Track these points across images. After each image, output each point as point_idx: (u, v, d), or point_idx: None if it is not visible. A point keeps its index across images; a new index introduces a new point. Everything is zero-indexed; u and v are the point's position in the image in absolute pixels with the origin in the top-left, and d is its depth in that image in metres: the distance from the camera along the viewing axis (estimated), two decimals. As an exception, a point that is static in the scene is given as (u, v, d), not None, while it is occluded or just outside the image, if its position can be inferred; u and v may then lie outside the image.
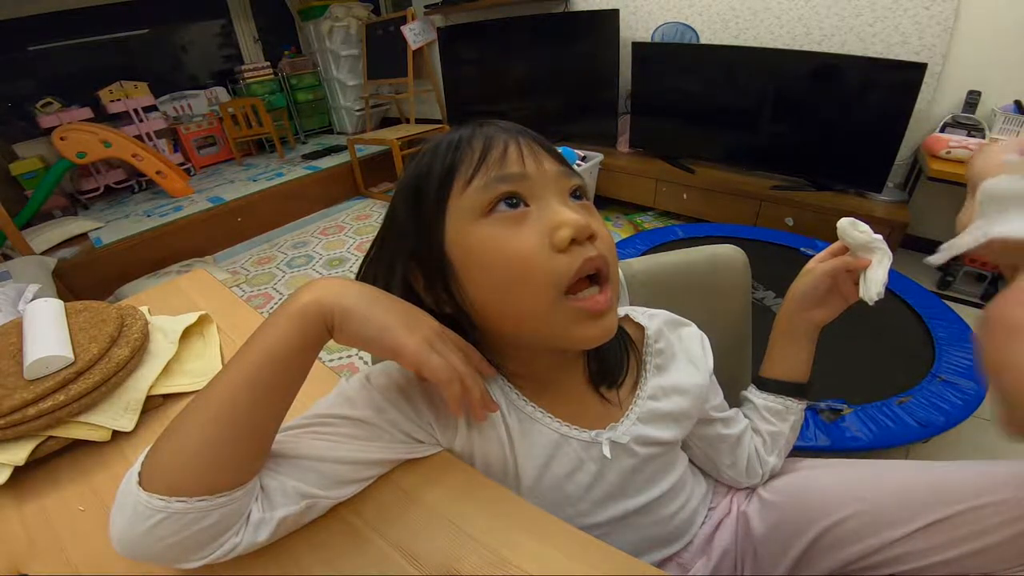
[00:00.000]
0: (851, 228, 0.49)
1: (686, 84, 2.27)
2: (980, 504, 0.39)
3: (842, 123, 1.88)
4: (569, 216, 0.36)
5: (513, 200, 0.37)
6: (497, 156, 0.38)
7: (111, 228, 2.57)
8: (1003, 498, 0.39)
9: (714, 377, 0.51)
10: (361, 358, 1.66)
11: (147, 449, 0.34)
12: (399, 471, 0.42)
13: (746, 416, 0.56)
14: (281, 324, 0.35)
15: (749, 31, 2.19)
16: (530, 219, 0.37)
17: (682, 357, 0.49)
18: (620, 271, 0.50)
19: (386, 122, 3.88)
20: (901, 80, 1.68)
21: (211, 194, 2.88)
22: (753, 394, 0.56)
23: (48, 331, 0.53)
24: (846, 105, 1.86)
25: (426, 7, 3.21)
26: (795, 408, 0.55)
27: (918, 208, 1.89)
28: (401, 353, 0.36)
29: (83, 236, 2.48)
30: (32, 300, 0.76)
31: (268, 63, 3.66)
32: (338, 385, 0.44)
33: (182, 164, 3.31)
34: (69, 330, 0.55)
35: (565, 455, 0.43)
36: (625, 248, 1.82)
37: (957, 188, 1.63)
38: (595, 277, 0.38)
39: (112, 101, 2.99)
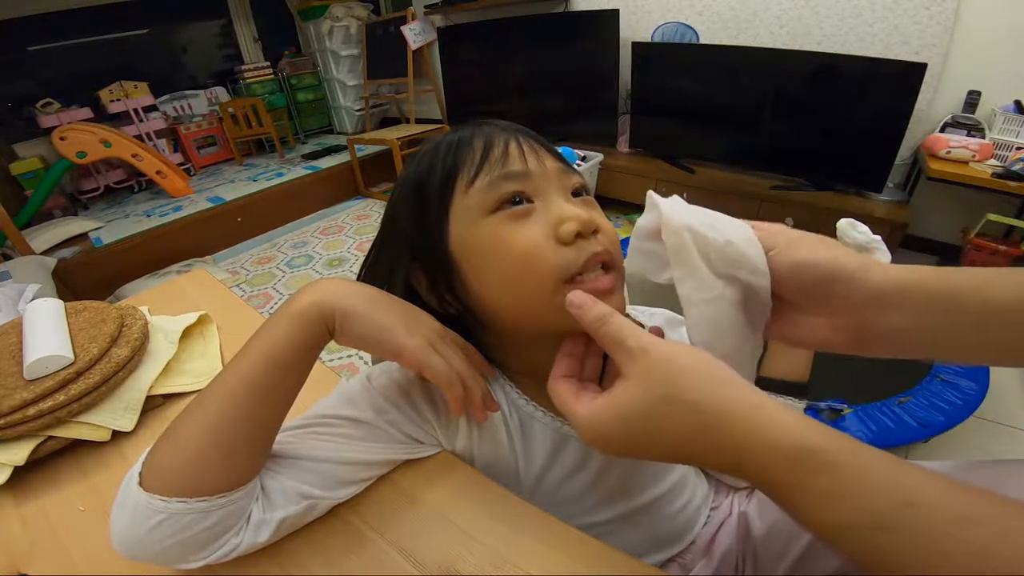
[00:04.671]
0: (850, 229, 0.50)
1: (686, 84, 2.26)
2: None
3: (842, 123, 1.88)
4: (573, 211, 0.37)
5: (517, 199, 0.37)
6: (499, 155, 0.38)
7: (111, 228, 2.56)
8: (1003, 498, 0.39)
9: None
10: (361, 358, 1.66)
11: (148, 449, 0.34)
12: (399, 471, 0.42)
13: (746, 416, 0.56)
14: (281, 325, 0.35)
15: (749, 31, 2.19)
16: (535, 215, 0.37)
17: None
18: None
19: (386, 122, 3.88)
20: (901, 80, 1.68)
21: (211, 194, 2.88)
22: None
23: (48, 331, 0.53)
24: (846, 105, 1.86)
25: (426, 7, 3.21)
26: (796, 406, 0.55)
27: (918, 208, 1.89)
28: (402, 354, 0.36)
29: (83, 236, 2.48)
30: (32, 300, 0.76)
31: (268, 63, 3.65)
32: (338, 385, 0.44)
33: (182, 164, 3.30)
34: (69, 330, 0.55)
35: (567, 454, 0.43)
36: (625, 248, 1.82)
37: (957, 188, 1.63)
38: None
39: (112, 101, 2.98)
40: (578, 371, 0.35)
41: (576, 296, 0.32)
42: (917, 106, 1.69)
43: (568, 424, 0.43)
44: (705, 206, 0.35)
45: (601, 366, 0.36)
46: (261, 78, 3.59)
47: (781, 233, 0.33)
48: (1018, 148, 1.59)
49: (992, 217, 1.61)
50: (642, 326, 0.49)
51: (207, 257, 2.56)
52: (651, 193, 0.35)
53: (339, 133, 4.04)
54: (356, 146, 3.11)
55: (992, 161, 1.62)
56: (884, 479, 0.22)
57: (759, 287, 0.31)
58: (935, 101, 1.83)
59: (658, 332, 0.34)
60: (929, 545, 0.21)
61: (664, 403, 0.27)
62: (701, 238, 0.31)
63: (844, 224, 0.50)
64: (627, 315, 0.49)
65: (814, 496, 0.23)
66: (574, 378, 0.34)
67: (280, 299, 2.13)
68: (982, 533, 0.20)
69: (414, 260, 0.41)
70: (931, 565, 0.21)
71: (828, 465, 0.23)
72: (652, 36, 2.44)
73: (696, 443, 0.26)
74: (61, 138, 2.52)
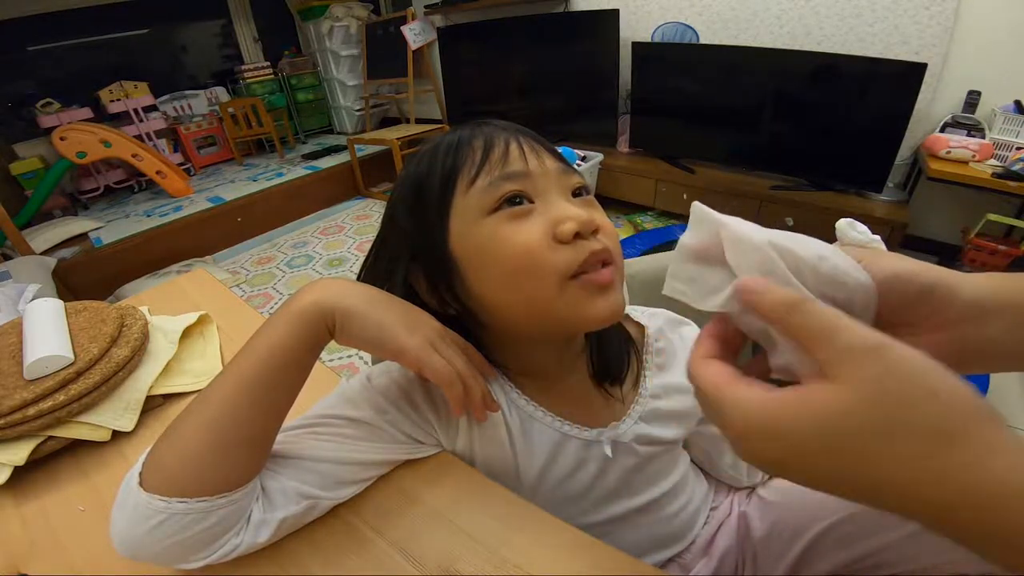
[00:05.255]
0: (849, 229, 0.49)
1: (686, 84, 2.26)
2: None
3: (842, 123, 1.88)
4: (573, 211, 0.37)
5: (518, 199, 0.37)
6: (499, 155, 0.38)
7: (111, 228, 2.57)
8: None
9: None
10: (361, 358, 1.66)
11: (148, 449, 0.34)
12: (399, 471, 0.42)
13: (746, 415, 0.56)
14: (281, 325, 0.35)
15: (749, 31, 2.19)
16: (535, 215, 0.37)
17: (683, 356, 0.49)
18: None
19: (386, 122, 3.88)
20: (901, 80, 1.68)
21: (211, 194, 2.88)
22: None
23: (48, 331, 0.53)
24: (846, 105, 1.86)
25: (426, 7, 3.21)
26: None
27: (918, 208, 1.89)
28: (402, 354, 0.36)
29: (83, 236, 2.48)
30: (32, 300, 0.76)
31: (268, 63, 3.66)
32: (339, 385, 0.44)
33: (182, 164, 3.31)
34: (69, 330, 0.55)
35: (566, 454, 0.43)
36: (625, 248, 1.82)
37: (957, 188, 1.63)
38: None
39: (112, 101, 2.99)
40: (725, 355, 0.28)
41: (749, 281, 0.25)
42: (917, 106, 1.69)
43: (568, 424, 0.43)
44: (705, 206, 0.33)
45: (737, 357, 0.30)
46: (261, 78, 3.59)
47: (851, 248, 0.29)
48: (1018, 148, 1.59)
49: (992, 217, 1.61)
50: (643, 327, 0.49)
51: (207, 257, 2.56)
52: (698, 205, 0.29)
53: (339, 133, 4.04)
54: (356, 146, 3.11)
55: (992, 161, 1.62)
56: None
57: (862, 308, 0.26)
58: (935, 101, 1.83)
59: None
60: None
61: (891, 427, 0.20)
62: (791, 255, 0.26)
63: (843, 224, 0.50)
64: (627, 315, 0.50)
65: None
66: (725, 361, 0.28)
67: (280, 299, 2.13)
68: None
69: (414, 260, 0.41)
70: None
71: None
72: (652, 36, 2.44)
73: (912, 481, 0.20)
74: (61, 138, 2.52)
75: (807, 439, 0.22)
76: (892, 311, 0.27)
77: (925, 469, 0.20)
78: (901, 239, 1.78)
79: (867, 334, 0.22)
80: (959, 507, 0.20)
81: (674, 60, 2.30)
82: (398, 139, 2.73)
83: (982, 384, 1.15)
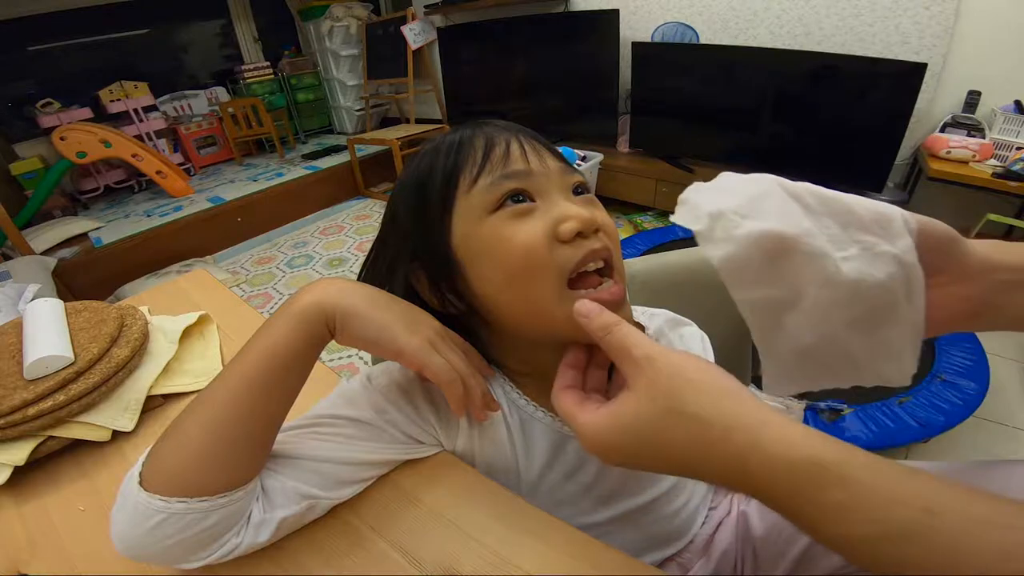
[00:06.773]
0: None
1: (686, 84, 2.26)
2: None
3: (842, 123, 1.88)
4: (575, 209, 0.37)
5: (519, 197, 0.37)
6: (500, 154, 0.38)
7: (111, 228, 2.57)
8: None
9: None
10: (361, 358, 1.66)
11: (148, 449, 0.34)
12: (399, 471, 0.42)
13: (746, 416, 0.56)
14: (282, 325, 0.35)
15: (749, 31, 2.19)
16: (537, 214, 0.37)
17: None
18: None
19: (386, 122, 3.88)
20: (901, 80, 1.68)
21: (211, 194, 2.88)
22: (753, 393, 0.56)
23: (48, 331, 0.53)
24: (846, 105, 1.86)
25: (426, 7, 3.21)
26: (795, 407, 0.55)
27: (918, 208, 1.84)
28: (402, 353, 0.36)
29: (83, 236, 2.48)
30: (32, 300, 0.76)
31: (268, 63, 3.65)
32: (339, 385, 0.44)
33: (182, 164, 3.31)
34: (69, 330, 0.55)
35: (566, 454, 0.43)
36: (625, 248, 1.82)
37: (957, 188, 1.63)
38: (602, 270, 0.38)
39: (112, 101, 2.99)
40: (581, 382, 0.35)
41: (583, 305, 0.32)
42: (917, 106, 1.69)
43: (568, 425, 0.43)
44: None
45: (606, 377, 0.36)
46: (261, 78, 3.59)
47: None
48: (1018, 148, 1.59)
49: (992, 217, 1.61)
50: (643, 327, 0.49)
51: (207, 257, 2.56)
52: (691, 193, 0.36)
53: (339, 133, 4.04)
54: (356, 146, 3.11)
55: (992, 161, 1.62)
56: (899, 488, 0.22)
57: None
58: (935, 101, 1.83)
59: None
60: (950, 549, 0.20)
61: (668, 415, 0.26)
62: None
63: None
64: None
65: (828, 510, 0.23)
66: (578, 388, 0.34)
67: (280, 299, 2.13)
68: (1008, 536, 0.20)
69: (415, 260, 0.41)
70: (952, 567, 0.20)
71: (840, 478, 0.23)
72: (652, 36, 2.43)
73: (699, 457, 0.26)
74: (61, 138, 2.52)
75: (628, 442, 0.28)
76: (929, 251, 0.31)
77: (700, 447, 0.26)
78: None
79: (649, 348, 0.28)
80: (735, 481, 0.25)
81: (674, 60, 2.30)
82: (398, 139, 2.73)
83: (982, 384, 1.15)
